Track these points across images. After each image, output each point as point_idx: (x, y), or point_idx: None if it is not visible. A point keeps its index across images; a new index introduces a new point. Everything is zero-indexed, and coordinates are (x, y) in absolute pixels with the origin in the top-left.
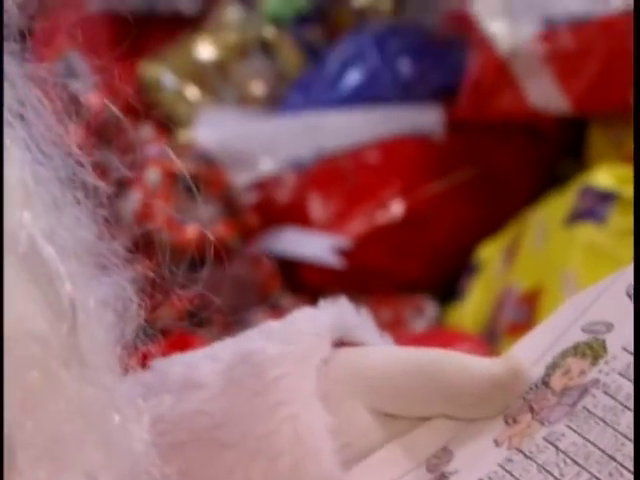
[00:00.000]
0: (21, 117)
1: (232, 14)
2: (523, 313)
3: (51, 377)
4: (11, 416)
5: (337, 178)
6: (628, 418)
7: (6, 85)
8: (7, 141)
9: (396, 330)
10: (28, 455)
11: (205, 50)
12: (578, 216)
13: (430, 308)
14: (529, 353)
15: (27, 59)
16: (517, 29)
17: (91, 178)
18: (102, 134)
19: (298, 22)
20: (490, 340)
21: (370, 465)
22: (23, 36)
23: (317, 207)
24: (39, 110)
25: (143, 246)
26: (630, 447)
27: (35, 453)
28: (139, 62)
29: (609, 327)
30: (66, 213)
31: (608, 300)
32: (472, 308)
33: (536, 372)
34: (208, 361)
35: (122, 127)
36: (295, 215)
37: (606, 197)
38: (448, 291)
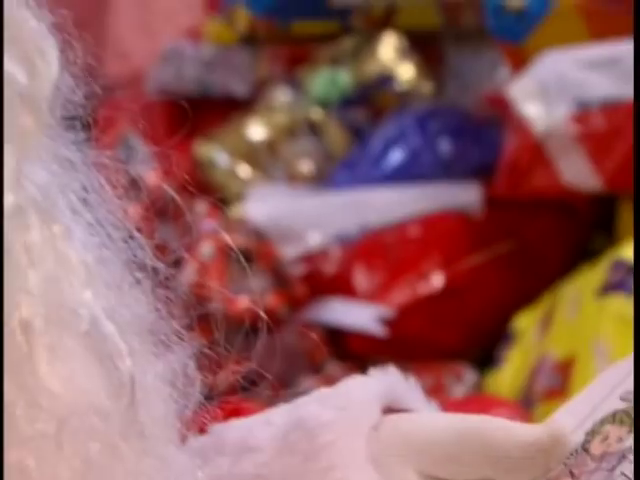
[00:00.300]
0: (85, 202)
1: (281, 97)
2: (557, 380)
3: (111, 449)
4: None
5: (380, 251)
6: None
7: (71, 171)
8: (72, 224)
9: (436, 396)
10: None
11: (256, 130)
12: (609, 288)
13: (469, 375)
14: (569, 420)
15: (90, 146)
16: (551, 111)
17: (150, 260)
18: (160, 211)
19: (343, 104)
20: (526, 406)
21: None
22: (86, 125)
23: (361, 279)
24: (102, 195)
25: (198, 317)
26: None
27: None
28: (194, 142)
29: None
30: (126, 292)
31: None
32: (509, 375)
33: (576, 438)
34: (263, 426)
35: (178, 204)
36: (341, 286)
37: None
38: (486, 359)
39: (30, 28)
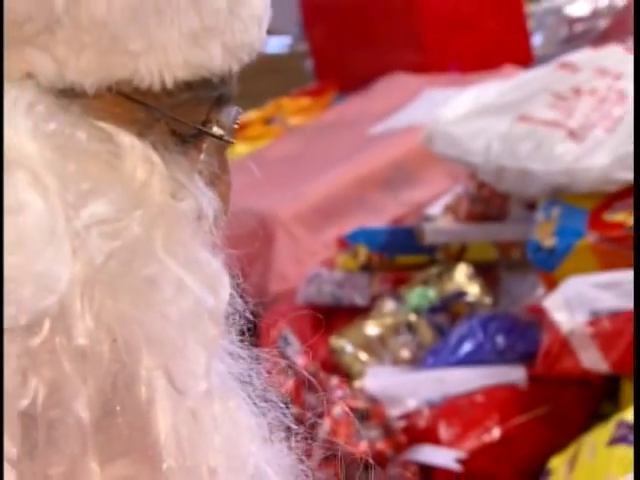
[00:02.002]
0: (250, 383)
1: (388, 306)
2: None
3: None
4: None
5: (457, 412)
6: None
7: (240, 362)
8: (241, 399)
9: None
10: None
11: (372, 329)
12: (615, 441)
13: None
14: None
15: (255, 343)
16: (573, 318)
17: (292, 423)
18: (307, 384)
19: (431, 311)
20: None
21: None
22: (252, 326)
23: (444, 431)
24: (263, 377)
25: (330, 456)
26: None
27: None
28: (330, 337)
29: None
30: (278, 445)
31: None
32: None
33: None
34: None
35: (319, 378)
36: (429, 436)
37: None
38: None
39: (212, 264)
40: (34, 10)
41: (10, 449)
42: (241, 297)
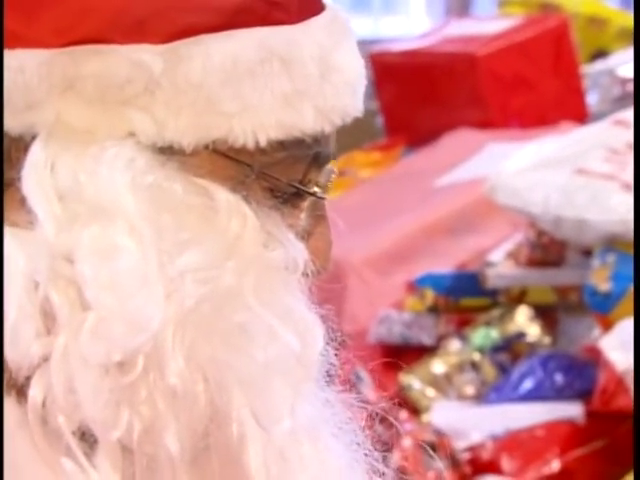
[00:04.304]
0: (340, 427)
1: (454, 345)
2: None
3: None
4: None
5: (519, 445)
6: None
7: (329, 407)
8: (331, 441)
9: None
10: None
11: (438, 366)
12: None
13: None
14: None
15: (335, 384)
16: (627, 357)
17: (382, 466)
18: (381, 419)
19: (494, 350)
20: None
21: None
22: (334, 373)
23: (506, 463)
24: (349, 421)
25: None
26: None
27: None
28: (399, 374)
29: None
30: (358, 470)
31: None
32: None
33: None
34: None
35: (388, 414)
36: (493, 468)
37: None
38: None
39: (304, 314)
40: (134, 73)
41: (112, 477)
42: (334, 348)
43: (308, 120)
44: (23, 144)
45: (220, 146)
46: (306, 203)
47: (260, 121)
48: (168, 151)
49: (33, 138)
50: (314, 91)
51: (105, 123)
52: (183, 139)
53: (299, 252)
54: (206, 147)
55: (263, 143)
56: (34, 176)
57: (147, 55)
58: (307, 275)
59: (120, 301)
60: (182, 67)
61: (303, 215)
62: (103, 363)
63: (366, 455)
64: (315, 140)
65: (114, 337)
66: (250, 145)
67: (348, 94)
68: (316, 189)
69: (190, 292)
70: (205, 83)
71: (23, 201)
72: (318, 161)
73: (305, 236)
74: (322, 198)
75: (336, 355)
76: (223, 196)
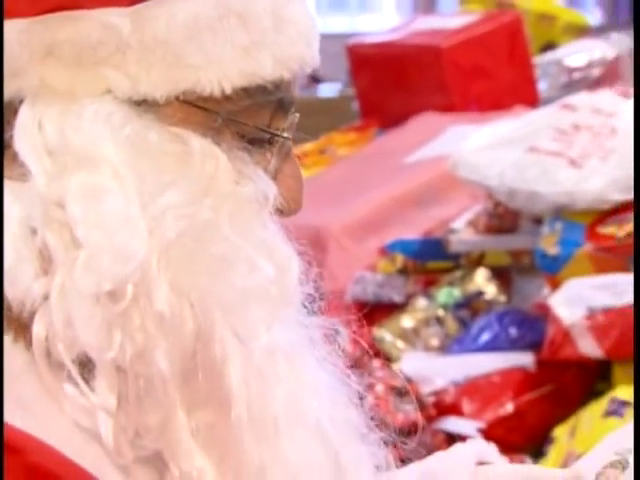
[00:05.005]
0: (312, 344)
1: (420, 303)
2: None
3: None
4: None
5: (477, 390)
6: None
7: (304, 330)
8: (308, 359)
9: None
10: None
11: (407, 321)
12: (608, 414)
13: (528, 462)
14: (585, 466)
15: (316, 315)
16: (573, 313)
17: (354, 386)
18: (356, 364)
19: (456, 307)
20: None
21: None
22: (314, 302)
23: (466, 405)
24: (323, 344)
25: (379, 421)
26: None
27: None
28: (373, 328)
29: (630, 451)
30: (339, 402)
31: (628, 436)
32: (551, 463)
33: (591, 477)
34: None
35: (364, 361)
36: (454, 410)
37: (624, 403)
38: (538, 453)
39: (279, 245)
40: (105, 36)
41: (109, 399)
42: (310, 280)
43: (267, 68)
44: (13, 108)
45: (189, 96)
46: (274, 146)
47: (223, 71)
48: (143, 104)
49: (21, 102)
50: (270, 42)
51: (84, 83)
52: (155, 92)
53: (268, 187)
54: (177, 98)
55: (228, 91)
56: (24, 135)
57: (116, 18)
58: (280, 211)
59: (108, 237)
60: (149, 27)
61: (271, 156)
62: (95, 293)
63: (340, 373)
64: (276, 87)
65: (104, 269)
66: (216, 94)
67: (302, 43)
68: (279, 132)
69: (171, 227)
70: (170, 40)
71: (16, 157)
72: (282, 107)
73: (275, 175)
74: (288, 139)
75: (315, 287)
76: (196, 141)
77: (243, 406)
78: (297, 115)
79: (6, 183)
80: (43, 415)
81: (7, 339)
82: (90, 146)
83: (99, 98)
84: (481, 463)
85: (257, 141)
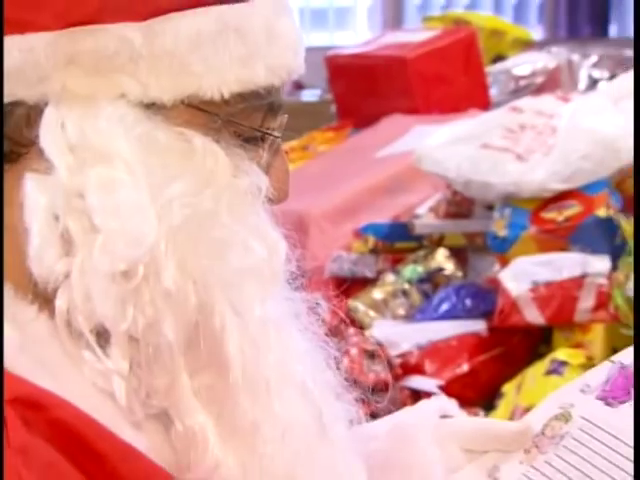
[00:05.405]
0: (297, 317)
1: (389, 278)
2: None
3: (309, 448)
4: None
5: (437, 353)
6: (584, 451)
7: (291, 303)
8: (293, 329)
9: None
10: None
11: (377, 294)
12: (549, 372)
13: (481, 414)
14: (533, 419)
15: (300, 290)
16: (519, 286)
17: (332, 351)
18: (333, 331)
19: (419, 281)
20: None
21: (459, 476)
22: (299, 280)
23: (429, 367)
24: (307, 316)
25: (353, 382)
26: (587, 466)
27: None
28: (349, 299)
29: (572, 405)
30: (320, 366)
31: (570, 393)
32: (500, 415)
33: (538, 428)
34: (379, 425)
35: (341, 329)
36: (418, 370)
37: (563, 363)
38: (489, 406)
39: (270, 230)
40: (120, 47)
41: (122, 364)
42: (294, 259)
43: (260, 76)
44: (39, 110)
45: (193, 100)
46: (266, 143)
47: (222, 78)
48: (152, 107)
49: (46, 104)
50: (263, 53)
51: (101, 88)
52: (163, 96)
53: (261, 180)
54: (182, 102)
55: (226, 96)
56: (49, 134)
57: (130, 31)
58: (270, 200)
59: (122, 223)
60: (158, 39)
61: (263, 152)
62: (111, 272)
63: (320, 340)
64: (268, 92)
65: (118, 251)
66: (216, 98)
67: (291, 54)
68: (270, 132)
69: (177, 214)
70: (177, 51)
71: (42, 153)
72: (273, 109)
73: (266, 168)
74: (277, 137)
75: (298, 266)
76: (198, 140)
77: (239, 370)
78: (286, 116)
79: (33, 176)
80: (65, 377)
81: (33, 309)
82: (106, 144)
83: (114, 102)
84: (444, 417)
85: (251, 139)
